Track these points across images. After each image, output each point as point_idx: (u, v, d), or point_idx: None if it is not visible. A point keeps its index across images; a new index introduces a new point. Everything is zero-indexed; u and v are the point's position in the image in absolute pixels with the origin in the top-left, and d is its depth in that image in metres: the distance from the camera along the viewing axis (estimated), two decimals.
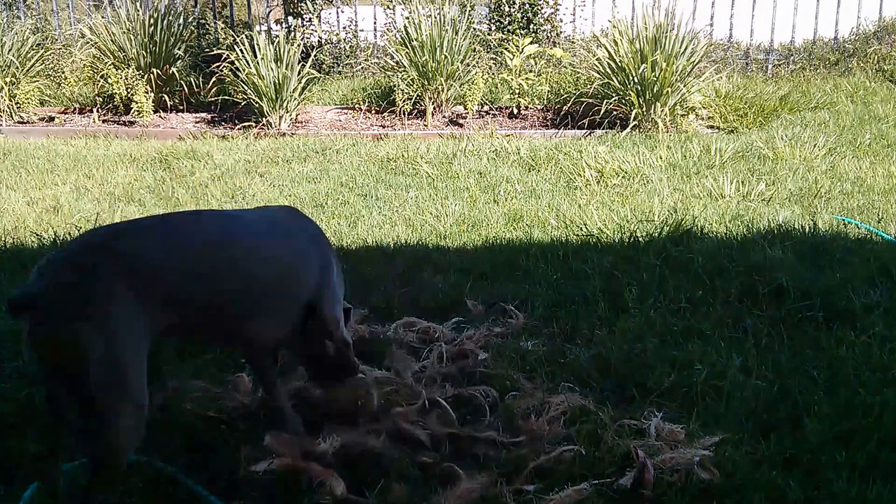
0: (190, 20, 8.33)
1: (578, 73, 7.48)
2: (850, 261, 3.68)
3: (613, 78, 6.81)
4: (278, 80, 7.04)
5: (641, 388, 2.73)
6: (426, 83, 7.21)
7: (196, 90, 7.85)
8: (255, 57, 7.05)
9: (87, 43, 7.92)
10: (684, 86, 6.72)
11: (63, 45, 8.62)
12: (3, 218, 4.83)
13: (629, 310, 3.29)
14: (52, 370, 1.95)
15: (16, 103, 7.53)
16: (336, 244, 4.24)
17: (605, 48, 6.95)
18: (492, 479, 2.27)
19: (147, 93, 7.37)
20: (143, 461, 2.35)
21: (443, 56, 7.13)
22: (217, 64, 7.51)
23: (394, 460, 2.36)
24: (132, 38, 7.55)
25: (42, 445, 2.33)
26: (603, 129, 6.76)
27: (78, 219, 4.74)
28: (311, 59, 7.62)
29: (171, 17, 7.78)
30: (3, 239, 4.38)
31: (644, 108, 6.66)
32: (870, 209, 4.55)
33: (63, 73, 8.04)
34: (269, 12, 9.09)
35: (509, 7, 8.33)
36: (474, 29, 7.90)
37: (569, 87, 7.52)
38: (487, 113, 7.49)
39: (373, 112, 7.62)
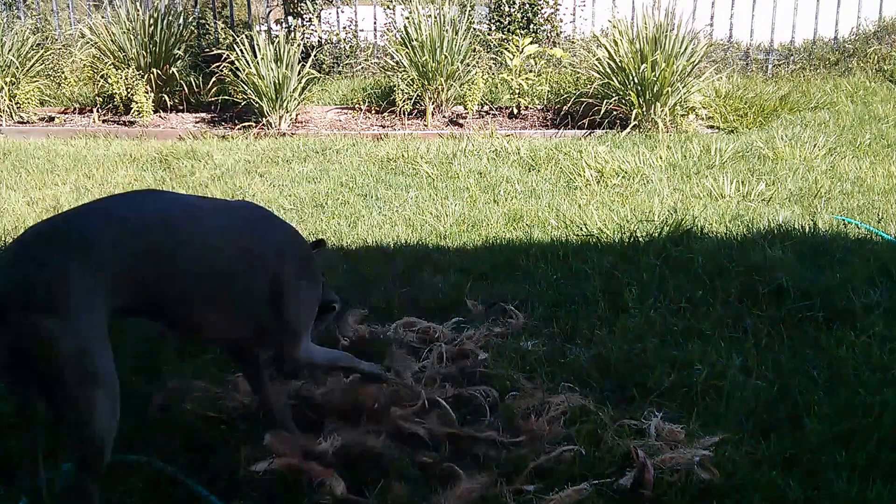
0: (190, 20, 8.34)
1: (578, 73, 7.48)
2: (850, 261, 3.68)
3: (613, 78, 6.81)
4: (278, 80, 7.04)
5: (641, 388, 2.73)
6: (426, 83, 7.21)
7: (196, 90, 7.85)
8: (255, 57, 7.05)
9: (87, 43, 7.93)
10: (684, 86, 6.72)
11: (63, 45, 8.62)
12: (3, 218, 4.83)
13: (629, 310, 3.29)
14: (20, 374, 1.91)
15: (16, 103, 7.53)
16: (336, 244, 4.24)
17: (605, 48, 6.95)
18: (492, 479, 2.27)
19: (147, 93, 7.38)
20: (143, 461, 2.35)
21: (443, 56, 7.13)
22: (217, 64, 7.51)
23: (394, 460, 2.35)
24: (132, 38, 7.55)
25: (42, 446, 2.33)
26: (603, 129, 6.76)
27: None
28: (311, 59, 7.62)
29: (171, 17, 7.78)
30: (3, 239, 4.38)
31: (644, 108, 6.66)
32: (870, 209, 4.55)
33: (63, 73, 8.05)
34: (269, 12, 9.09)
35: (509, 7, 8.33)
36: (474, 29, 7.90)
37: (569, 87, 7.52)
38: (487, 113, 7.49)
39: (373, 112, 7.62)
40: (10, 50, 7.61)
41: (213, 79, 7.59)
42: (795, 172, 5.29)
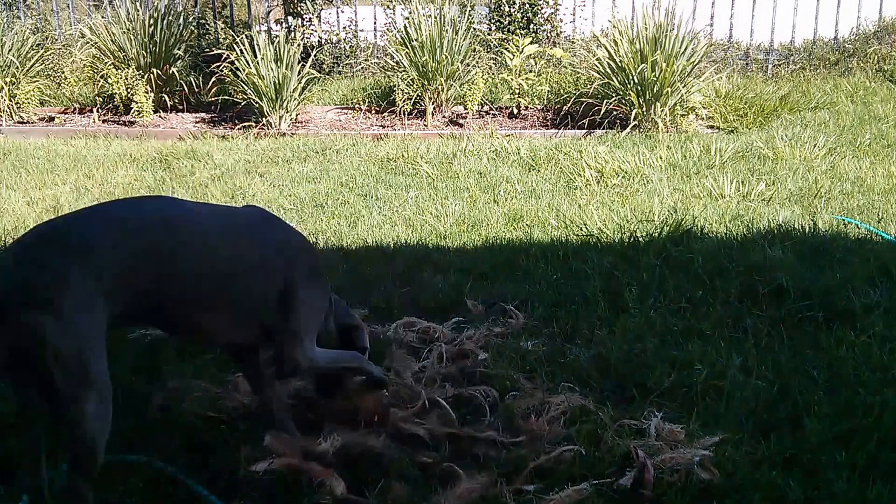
0: (190, 20, 8.34)
1: (578, 73, 7.48)
2: (850, 261, 3.68)
3: (613, 78, 6.81)
4: (278, 80, 7.04)
5: (641, 388, 2.73)
6: (426, 83, 7.21)
7: (196, 90, 7.85)
8: (255, 57, 7.05)
9: (87, 43, 7.93)
10: (684, 86, 6.72)
11: (63, 45, 8.62)
12: (3, 218, 4.83)
13: (629, 310, 3.29)
14: (20, 374, 1.92)
15: (16, 103, 7.53)
16: (336, 244, 4.24)
17: (605, 48, 6.95)
18: (492, 479, 2.27)
19: (147, 93, 7.37)
20: (143, 461, 2.35)
21: (443, 56, 7.13)
22: (217, 64, 7.51)
23: (394, 460, 2.36)
24: (132, 38, 7.55)
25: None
26: (603, 129, 6.76)
27: None
28: (311, 59, 7.62)
29: (171, 17, 7.78)
30: (3, 239, 4.38)
31: (644, 108, 6.66)
32: (870, 209, 4.55)
33: (63, 73, 8.04)
34: (269, 12, 9.09)
35: (509, 7, 8.33)
36: (474, 29, 7.90)
37: (569, 87, 7.52)
38: (487, 113, 7.49)
39: (373, 112, 7.62)
40: (10, 50, 7.61)
41: (213, 79, 7.59)
42: (795, 172, 5.29)
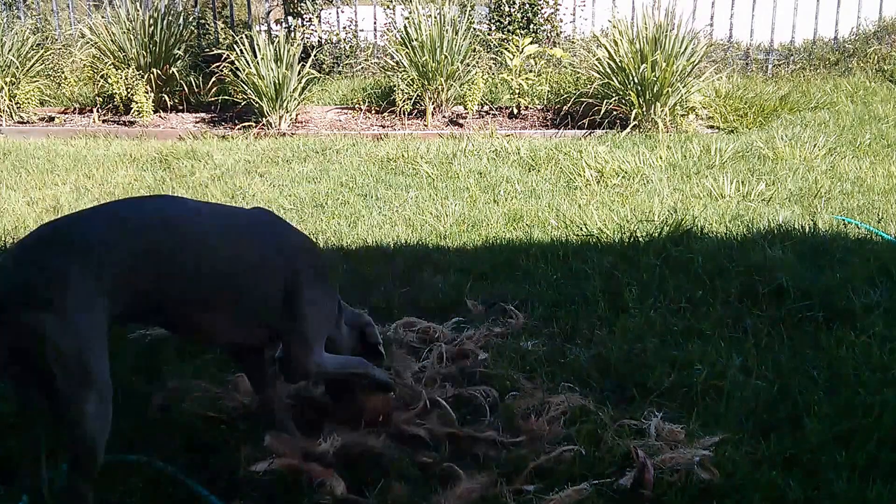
0: (190, 20, 8.34)
1: (578, 73, 7.48)
2: (850, 261, 3.68)
3: (613, 78, 6.81)
4: (278, 80, 7.04)
5: (641, 388, 2.73)
6: (426, 83, 7.21)
7: (196, 90, 7.85)
8: (255, 57, 7.05)
9: (87, 43, 7.93)
10: (684, 86, 6.72)
11: (63, 45, 8.62)
12: (3, 218, 4.83)
13: (629, 310, 3.29)
14: (21, 374, 1.92)
15: (16, 103, 7.53)
16: (336, 244, 4.24)
17: (605, 48, 6.95)
18: (492, 479, 2.27)
19: (147, 93, 7.38)
20: (143, 461, 2.35)
21: (443, 56, 7.13)
22: (217, 64, 7.51)
23: (394, 460, 2.36)
24: (132, 38, 7.55)
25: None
26: (603, 129, 6.76)
27: None
28: (311, 59, 7.62)
29: (171, 17, 7.79)
30: (3, 239, 4.38)
31: (644, 108, 6.66)
32: (870, 209, 4.55)
33: (63, 73, 8.05)
34: (269, 12, 9.09)
35: (509, 7, 8.33)
36: (474, 29, 7.90)
37: (569, 87, 7.52)
38: (487, 113, 7.49)
39: (373, 112, 7.62)
40: (10, 50, 7.61)
41: (213, 79, 7.59)
42: (795, 172, 5.29)
